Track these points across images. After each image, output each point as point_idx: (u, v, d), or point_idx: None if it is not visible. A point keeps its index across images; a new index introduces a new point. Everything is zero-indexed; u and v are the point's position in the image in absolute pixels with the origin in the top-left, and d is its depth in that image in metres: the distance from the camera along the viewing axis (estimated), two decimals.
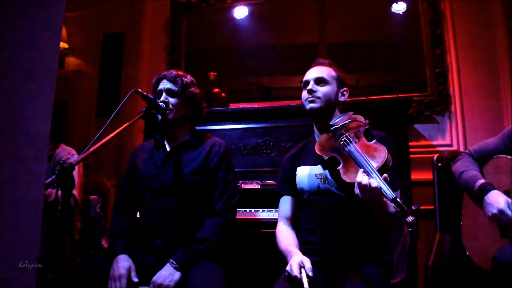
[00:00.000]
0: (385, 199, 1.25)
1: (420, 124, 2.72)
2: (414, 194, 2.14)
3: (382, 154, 1.34)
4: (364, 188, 1.24)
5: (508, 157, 1.72)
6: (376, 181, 1.23)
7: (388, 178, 1.24)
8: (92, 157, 3.05)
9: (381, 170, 1.28)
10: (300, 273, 1.28)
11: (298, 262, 1.32)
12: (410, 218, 1.15)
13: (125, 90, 3.17)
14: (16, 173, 0.57)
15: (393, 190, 1.21)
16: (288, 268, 1.33)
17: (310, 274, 1.28)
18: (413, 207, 1.15)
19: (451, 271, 1.90)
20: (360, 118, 1.55)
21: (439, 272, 1.91)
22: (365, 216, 1.43)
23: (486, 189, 1.67)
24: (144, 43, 3.30)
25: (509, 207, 1.58)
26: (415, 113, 2.70)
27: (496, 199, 1.62)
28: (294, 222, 1.62)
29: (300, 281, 1.27)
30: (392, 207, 1.21)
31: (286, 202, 1.63)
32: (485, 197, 1.66)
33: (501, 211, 1.59)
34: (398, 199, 1.16)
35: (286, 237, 1.54)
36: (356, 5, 3.08)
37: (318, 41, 3.09)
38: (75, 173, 2.02)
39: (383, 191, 1.21)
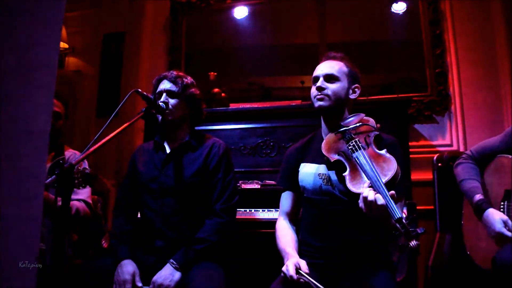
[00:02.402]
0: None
1: (420, 124, 2.72)
2: (414, 194, 2.14)
3: (391, 167, 1.28)
4: (370, 204, 1.19)
5: (510, 156, 1.72)
6: (383, 198, 1.17)
7: (395, 195, 1.18)
8: (92, 157, 3.06)
9: (389, 185, 1.23)
10: (296, 273, 1.28)
11: (294, 263, 1.31)
12: (413, 243, 1.09)
13: (125, 90, 3.17)
14: (16, 173, 0.57)
15: (400, 195, 1.17)
16: (284, 268, 1.33)
17: (307, 270, 1.29)
18: (418, 230, 1.10)
19: (451, 271, 1.90)
20: (372, 122, 1.49)
21: (439, 272, 1.91)
22: (366, 221, 1.42)
23: (481, 207, 1.69)
24: (144, 43, 3.30)
25: (505, 226, 1.59)
26: (415, 113, 2.70)
27: (492, 220, 1.63)
28: (295, 218, 1.61)
29: (295, 281, 1.27)
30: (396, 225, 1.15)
31: (287, 197, 1.61)
32: (483, 217, 1.68)
33: (498, 234, 1.60)
34: (403, 220, 1.11)
35: (285, 235, 1.52)
36: (356, 5, 3.08)
37: (318, 41, 3.09)
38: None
39: (389, 209, 1.15)
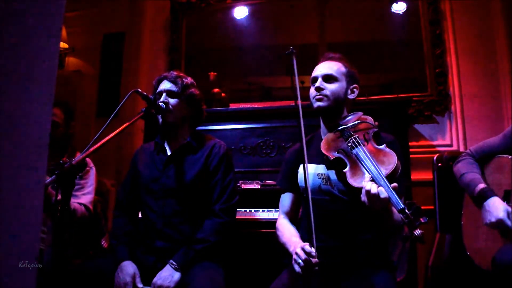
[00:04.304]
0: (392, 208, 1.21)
1: (420, 124, 2.73)
2: (414, 194, 2.14)
3: (391, 160, 1.29)
4: (373, 197, 1.19)
5: (509, 156, 1.72)
6: (385, 191, 1.18)
7: (397, 187, 1.19)
8: (92, 157, 3.05)
9: (389, 177, 1.23)
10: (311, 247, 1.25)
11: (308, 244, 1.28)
12: (418, 232, 1.09)
13: (125, 90, 3.17)
14: (16, 174, 0.57)
15: (399, 196, 1.17)
16: (298, 250, 1.27)
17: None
18: (421, 220, 1.09)
19: (451, 271, 1.89)
20: (370, 119, 1.50)
21: (439, 272, 1.91)
22: (366, 220, 1.42)
23: (486, 194, 1.66)
24: (144, 43, 3.30)
25: (508, 217, 1.58)
26: (415, 113, 2.70)
27: (496, 207, 1.61)
28: (294, 217, 1.62)
29: (312, 261, 1.22)
30: (399, 217, 1.15)
31: (287, 198, 1.62)
32: (485, 203, 1.65)
33: (500, 221, 1.58)
34: (406, 211, 1.11)
35: (288, 229, 1.53)
36: (356, 5, 3.08)
37: (318, 41, 3.09)
38: (92, 179, 2.00)
39: (392, 201, 1.16)
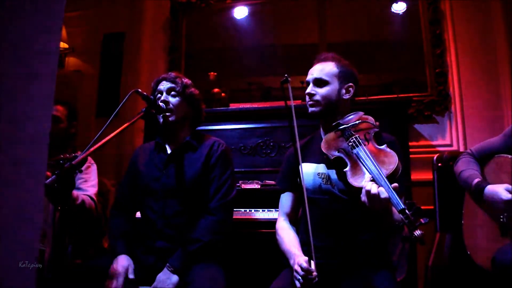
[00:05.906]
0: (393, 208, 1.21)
1: (420, 124, 2.73)
2: (414, 194, 2.14)
3: (392, 161, 1.29)
4: (373, 197, 1.19)
5: (509, 156, 1.72)
6: (386, 191, 1.18)
7: (397, 188, 1.19)
8: (92, 157, 3.05)
9: (390, 178, 1.23)
10: (310, 265, 1.26)
11: (305, 260, 1.29)
12: (418, 232, 1.08)
13: (125, 90, 3.17)
14: (16, 174, 0.57)
15: (399, 196, 1.17)
16: (296, 267, 1.29)
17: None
18: (422, 220, 1.09)
19: (451, 271, 1.90)
20: (371, 119, 1.50)
21: (439, 272, 1.91)
22: (366, 220, 1.42)
23: (481, 186, 1.68)
24: (144, 43, 3.30)
25: (510, 193, 1.57)
26: (415, 113, 2.71)
27: (495, 192, 1.61)
28: (294, 218, 1.61)
29: (311, 277, 1.24)
30: (399, 217, 1.15)
31: (287, 198, 1.61)
32: (484, 197, 1.66)
33: (508, 202, 1.57)
34: (407, 211, 1.11)
35: (287, 236, 1.52)
36: (356, 5, 3.08)
37: (318, 41, 3.09)
38: (94, 174, 2.01)
39: (392, 201, 1.16)
